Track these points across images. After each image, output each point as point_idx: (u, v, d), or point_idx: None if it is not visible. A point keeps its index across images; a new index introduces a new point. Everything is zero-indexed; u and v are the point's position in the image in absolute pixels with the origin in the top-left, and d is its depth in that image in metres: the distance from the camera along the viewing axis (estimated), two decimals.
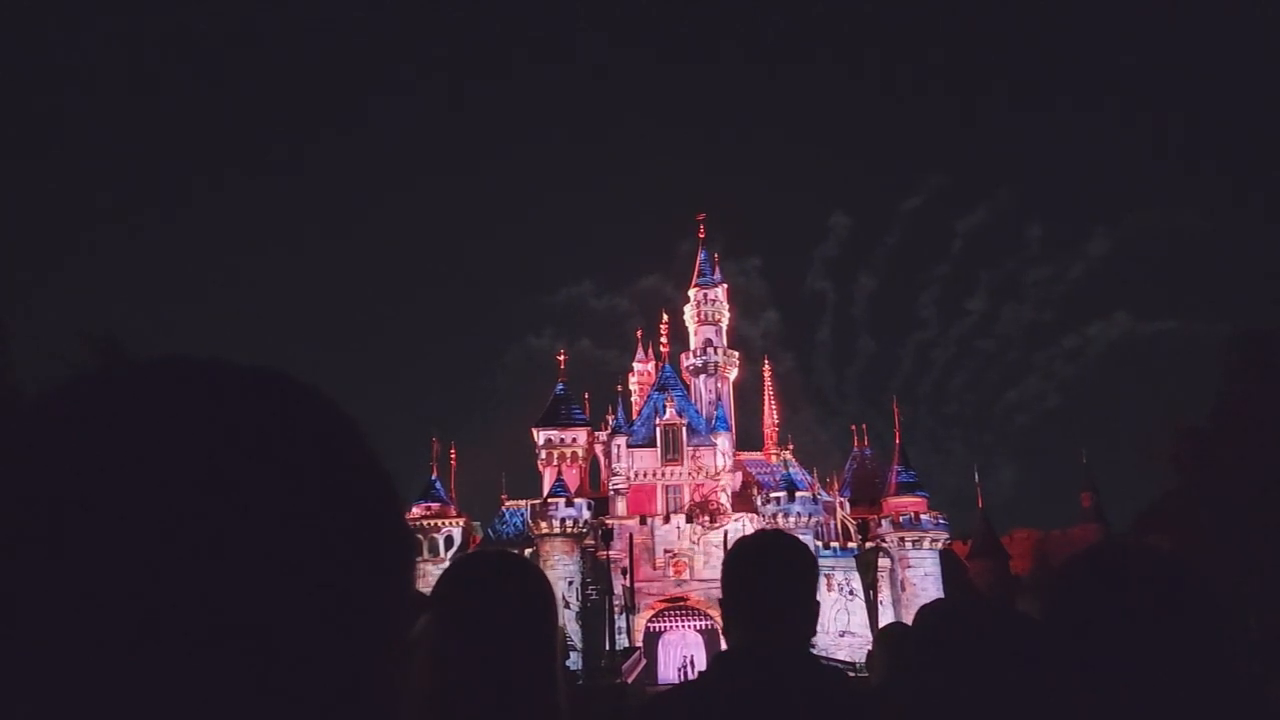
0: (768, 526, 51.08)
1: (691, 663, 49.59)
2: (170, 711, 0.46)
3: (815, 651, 2.67)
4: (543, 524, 51.75)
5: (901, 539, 53.30)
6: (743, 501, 54.85)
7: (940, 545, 54.04)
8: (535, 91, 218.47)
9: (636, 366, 65.70)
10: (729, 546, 2.70)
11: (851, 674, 20.26)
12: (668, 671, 49.38)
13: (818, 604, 2.55)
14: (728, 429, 56.53)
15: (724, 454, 55.52)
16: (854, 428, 64.87)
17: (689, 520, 52.71)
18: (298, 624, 0.50)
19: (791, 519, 51.28)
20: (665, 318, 61.68)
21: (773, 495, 53.20)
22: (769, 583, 2.50)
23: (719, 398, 59.58)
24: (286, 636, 0.50)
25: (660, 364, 60.41)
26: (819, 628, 2.61)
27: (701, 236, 64.65)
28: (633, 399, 61.87)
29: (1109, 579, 1.73)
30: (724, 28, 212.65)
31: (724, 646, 2.68)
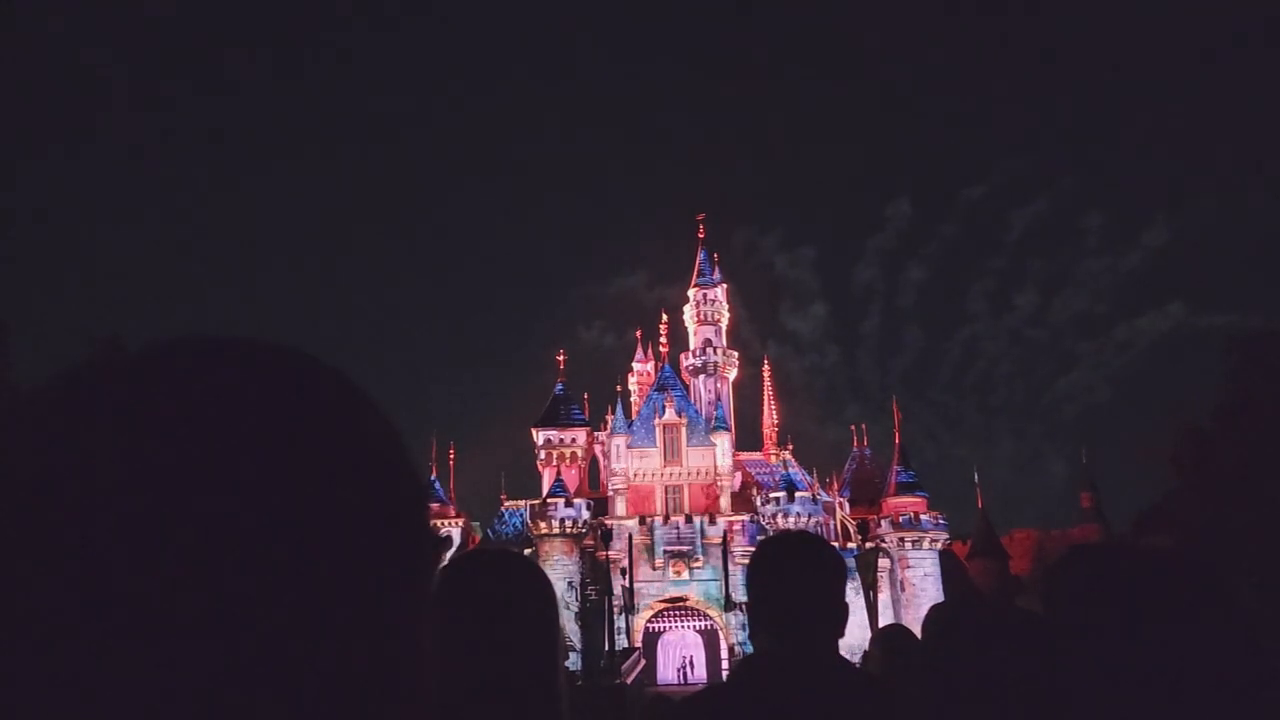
0: (767, 527, 51.18)
1: (691, 663, 49.59)
2: (176, 709, 0.45)
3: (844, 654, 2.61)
4: (542, 524, 51.73)
5: (901, 539, 53.29)
6: (742, 502, 54.82)
7: (940, 545, 54.04)
8: (588, 82, 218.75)
9: (636, 366, 65.65)
10: (754, 549, 2.62)
11: None
12: (667, 672, 49.36)
13: (846, 606, 2.48)
14: (727, 429, 56.46)
15: (723, 454, 55.46)
16: (853, 428, 65.05)
17: (688, 520, 52.68)
18: (308, 618, 0.48)
19: (791, 519, 51.24)
20: (665, 317, 61.72)
21: (772, 495, 53.21)
22: (797, 585, 2.44)
23: (718, 398, 59.55)
24: (295, 630, 0.48)
25: (660, 364, 60.36)
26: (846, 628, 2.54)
27: (701, 236, 64.70)
28: (632, 399, 61.82)
29: (1117, 576, 1.68)
30: (801, 16, 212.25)
31: (751, 649, 2.62)
